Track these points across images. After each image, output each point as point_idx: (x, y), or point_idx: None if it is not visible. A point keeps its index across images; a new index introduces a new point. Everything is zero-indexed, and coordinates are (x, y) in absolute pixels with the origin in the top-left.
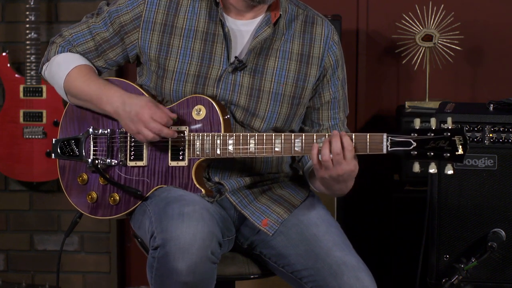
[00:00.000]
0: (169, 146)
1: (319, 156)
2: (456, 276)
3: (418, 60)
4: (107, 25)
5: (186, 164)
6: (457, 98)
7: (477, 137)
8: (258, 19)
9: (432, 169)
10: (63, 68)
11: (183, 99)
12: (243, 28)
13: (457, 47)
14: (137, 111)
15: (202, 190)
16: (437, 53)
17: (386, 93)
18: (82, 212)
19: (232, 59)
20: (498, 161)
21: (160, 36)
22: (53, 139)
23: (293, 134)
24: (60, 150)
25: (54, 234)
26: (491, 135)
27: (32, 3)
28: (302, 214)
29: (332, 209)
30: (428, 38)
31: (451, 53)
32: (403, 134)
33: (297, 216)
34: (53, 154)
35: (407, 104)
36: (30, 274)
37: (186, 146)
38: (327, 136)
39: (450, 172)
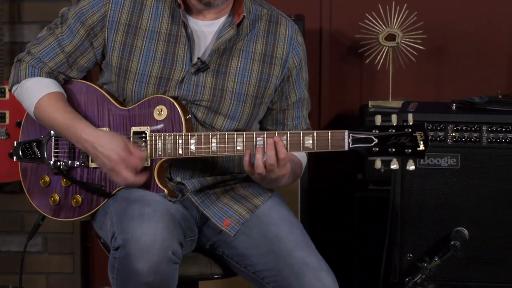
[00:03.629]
0: None
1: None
2: (419, 275)
3: (381, 60)
4: (73, 32)
5: (148, 164)
6: (420, 98)
7: (440, 136)
8: (221, 19)
9: (394, 165)
10: (33, 96)
11: (144, 99)
12: (206, 29)
13: (420, 47)
14: (109, 157)
15: (165, 190)
16: (400, 53)
17: (349, 93)
18: (45, 214)
19: (195, 60)
20: (461, 160)
21: (123, 36)
22: (15, 142)
23: (254, 133)
24: (21, 152)
25: (17, 235)
26: (453, 134)
27: None
28: (264, 215)
29: (295, 209)
30: (391, 37)
31: (414, 52)
32: (364, 131)
33: (259, 217)
34: (14, 157)
35: (370, 103)
36: None
37: (148, 146)
38: (288, 134)
39: (412, 168)
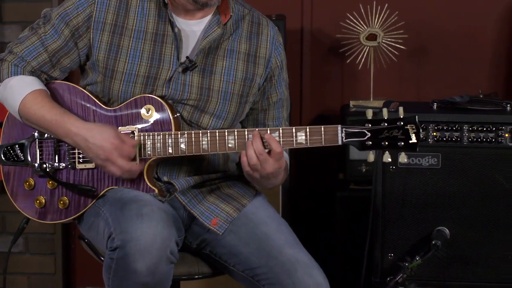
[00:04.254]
0: None
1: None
2: (401, 275)
3: (363, 60)
4: (58, 32)
5: (138, 164)
6: (401, 97)
7: (421, 135)
8: (207, 18)
9: (388, 159)
10: (17, 93)
11: (131, 99)
12: (193, 28)
13: (401, 46)
14: (102, 147)
15: (155, 189)
16: (381, 53)
17: (331, 93)
18: (30, 217)
19: (183, 59)
20: (442, 160)
21: (110, 36)
22: None
23: (246, 130)
24: (3, 156)
25: None
26: (435, 133)
27: None
28: (252, 213)
29: (277, 208)
30: (372, 37)
31: (395, 52)
32: (356, 125)
33: (246, 215)
34: None
35: (351, 103)
36: None
37: (137, 146)
38: (281, 130)
39: (405, 160)
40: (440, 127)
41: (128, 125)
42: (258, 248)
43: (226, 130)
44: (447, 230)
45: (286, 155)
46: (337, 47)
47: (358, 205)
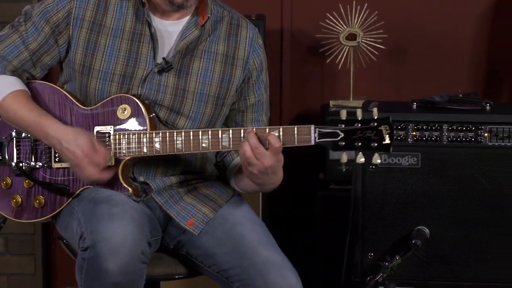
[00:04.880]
0: None
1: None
2: (381, 274)
3: (342, 59)
4: (38, 29)
5: (113, 163)
6: (381, 97)
7: (401, 135)
8: (185, 19)
9: (361, 159)
10: None
11: (107, 98)
12: (170, 29)
13: (380, 46)
14: (74, 153)
15: (130, 189)
16: (361, 52)
17: (311, 92)
18: (7, 216)
19: (159, 59)
20: (422, 159)
21: (88, 34)
22: None
23: (220, 130)
24: None
25: None
26: (414, 133)
27: None
28: (228, 213)
29: (257, 208)
30: (352, 37)
31: (375, 52)
32: (330, 126)
33: (222, 215)
34: None
35: (331, 103)
36: None
37: (112, 145)
38: (254, 130)
39: (378, 161)
40: (420, 126)
41: (104, 124)
42: (233, 249)
43: (200, 130)
44: (427, 230)
45: None
46: (317, 47)
47: (338, 205)
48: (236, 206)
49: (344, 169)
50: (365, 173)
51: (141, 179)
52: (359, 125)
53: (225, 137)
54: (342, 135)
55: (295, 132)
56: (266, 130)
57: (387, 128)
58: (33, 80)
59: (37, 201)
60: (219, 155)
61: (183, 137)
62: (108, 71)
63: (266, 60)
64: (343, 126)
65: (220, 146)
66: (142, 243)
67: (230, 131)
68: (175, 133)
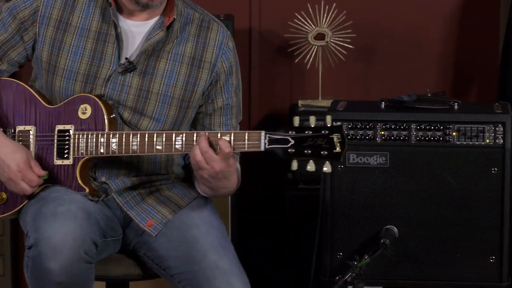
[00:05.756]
0: (55, 145)
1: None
2: (350, 274)
3: (311, 59)
4: (6, 25)
5: (71, 162)
6: (350, 96)
7: (369, 135)
8: (153, 21)
9: (309, 167)
10: None
11: (70, 97)
12: (136, 30)
13: (349, 46)
14: (8, 166)
15: (86, 189)
16: (329, 52)
17: (279, 92)
18: None
19: (123, 60)
20: (390, 159)
21: (54, 32)
22: None
23: (174, 132)
24: None
25: None
26: (382, 132)
27: None
28: (186, 216)
29: (225, 208)
30: (320, 37)
31: (343, 51)
32: (283, 132)
33: (181, 218)
34: None
35: (300, 103)
36: None
37: (71, 144)
38: (206, 134)
39: (328, 170)
40: (388, 126)
41: (66, 123)
42: (185, 253)
43: (155, 132)
44: (396, 229)
45: (237, 164)
46: (285, 47)
47: (307, 204)
48: (196, 208)
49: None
50: (333, 173)
51: (103, 179)
52: (310, 132)
53: (179, 140)
54: (292, 142)
55: (246, 137)
56: (218, 135)
57: (339, 136)
58: (1, 78)
59: (0, 197)
60: (187, 157)
61: (138, 139)
62: (73, 70)
63: (237, 64)
64: (294, 132)
65: (173, 149)
66: (84, 243)
67: (184, 134)
68: (131, 135)
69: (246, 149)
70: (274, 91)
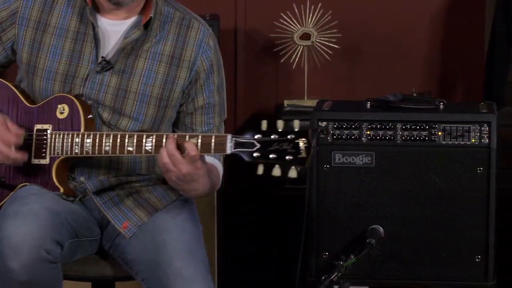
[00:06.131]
0: (33, 144)
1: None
2: (336, 273)
3: (297, 59)
4: None
5: (48, 162)
6: (335, 96)
7: (355, 134)
8: (131, 20)
9: (275, 172)
10: None
11: (50, 97)
12: (114, 29)
13: (335, 46)
14: None
15: (61, 188)
16: (315, 52)
17: (265, 92)
18: None
19: (100, 59)
20: (376, 158)
21: (33, 33)
22: None
23: (145, 134)
24: None
25: None
26: (368, 132)
27: None
28: (161, 219)
29: (211, 208)
30: (306, 36)
31: (329, 51)
32: (248, 135)
33: (155, 221)
34: None
35: (285, 102)
36: None
37: (48, 144)
38: (175, 136)
39: (294, 175)
40: (374, 125)
41: (44, 122)
42: (154, 257)
43: (127, 133)
44: (381, 229)
45: (219, 165)
46: (271, 47)
47: (293, 204)
48: (172, 212)
49: (298, 168)
50: (319, 172)
51: (82, 179)
52: (277, 136)
53: (149, 142)
54: (258, 146)
55: (212, 140)
56: (186, 137)
57: (305, 141)
58: None
59: None
60: None
61: (111, 139)
62: (52, 70)
63: (218, 62)
64: (260, 136)
65: (143, 151)
66: (45, 242)
67: (154, 136)
68: (104, 136)
69: (212, 152)
70: (260, 91)
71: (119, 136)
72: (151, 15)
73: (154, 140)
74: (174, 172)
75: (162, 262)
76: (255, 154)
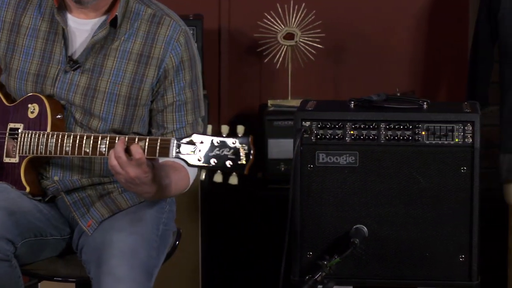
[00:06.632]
0: (5, 142)
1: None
2: (320, 273)
3: (280, 59)
4: None
5: (17, 161)
6: (319, 96)
7: (339, 134)
8: (100, 18)
9: (216, 178)
10: None
11: (23, 97)
12: (83, 27)
13: (318, 45)
14: None
15: (27, 187)
16: (299, 52)
17: (249, 92)
18: None
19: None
20: (360, 158)
21: (8, 35)
22: None
23: (100, 136)
24: None
25: None
26: (352, 132)
27: None
28: (119, 219)
29: (195, 208)
30: (289, 36)
31: (312, 51)
32: (195, 140)
33: (113, 221)
34: None
35: (269, 102)
36: None
37: (18, 143)
38: (126, 139)
39: (234, 182)
40: (357, 125)
41: (17, 121)
42: (98, 257)
43: (85, 135)
44: (365, 228)
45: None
46: (255, 47)
47: (277, 204)
48: (134, 213)
49: (282, 168)
50: (303, 172)
51: (55, 178)
52: (218, 141)
53: (104, 143)
54: (200, 151)
55: (158, 143)
56: (135, 140)
57: (245, 148)
58: None
59: None
60: None
61: (71, 140)
62: (24, 70)
63: (192, 59)
64: (202, 142)
65: (98, 152)
66: None
67: (108, 137)
68: (65, 136)
69: (157, 156)
70: (243, 91)
71: (78, 137)
72: (116, 13)
73: (107, 142)
74: (122, 175)
75: (101, 262)
76: (198, 159)
